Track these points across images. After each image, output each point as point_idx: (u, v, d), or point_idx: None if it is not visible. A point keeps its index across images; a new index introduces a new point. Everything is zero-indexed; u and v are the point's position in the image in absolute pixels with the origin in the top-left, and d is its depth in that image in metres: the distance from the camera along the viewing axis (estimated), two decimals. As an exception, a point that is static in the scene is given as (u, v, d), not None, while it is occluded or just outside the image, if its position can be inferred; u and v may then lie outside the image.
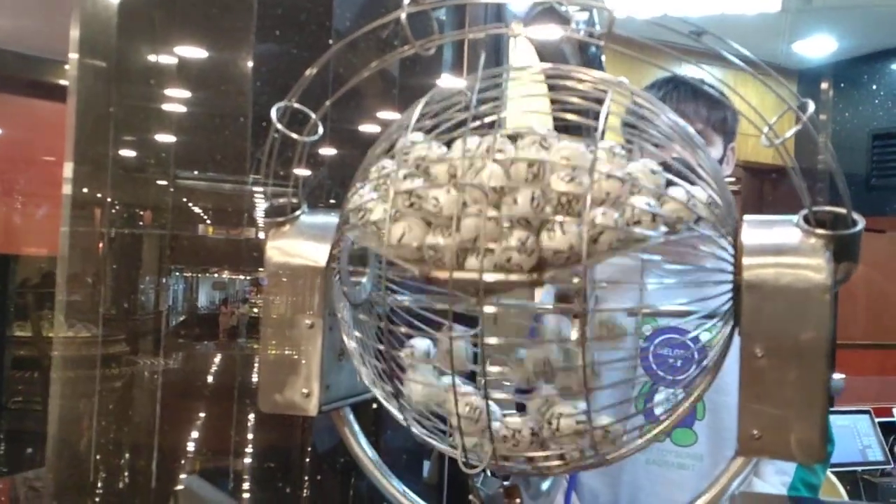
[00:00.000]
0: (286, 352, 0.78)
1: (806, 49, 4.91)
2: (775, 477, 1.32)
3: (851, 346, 4.29)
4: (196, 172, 1.93)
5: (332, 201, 1.76)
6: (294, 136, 0.75)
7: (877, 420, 3.13)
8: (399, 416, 0.70)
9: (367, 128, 1.88)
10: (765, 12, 4.22)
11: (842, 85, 5.17)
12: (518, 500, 0.73)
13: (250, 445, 1.94)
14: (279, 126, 0.74)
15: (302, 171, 0.80)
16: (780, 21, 4.39)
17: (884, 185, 4.86)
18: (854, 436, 3.01)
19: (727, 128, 1.38)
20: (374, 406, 0.83)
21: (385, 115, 1.87)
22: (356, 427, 0.83)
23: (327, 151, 1.74)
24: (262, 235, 0.83)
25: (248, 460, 1.94)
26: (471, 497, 0.72)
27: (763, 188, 5.43)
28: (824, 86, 5.21)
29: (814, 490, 1.35)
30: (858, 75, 5.10)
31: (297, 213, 0.81)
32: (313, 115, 0.75)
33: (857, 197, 0.67)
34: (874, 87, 5.06)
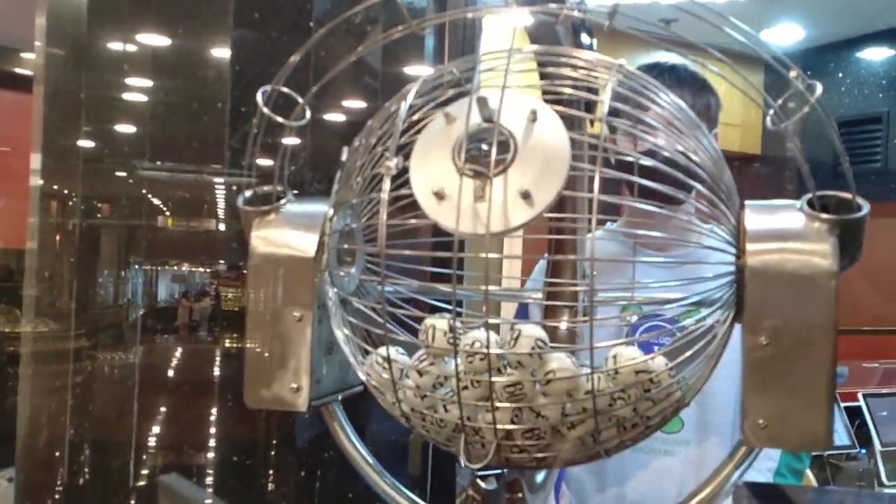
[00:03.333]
0: (273, 346, 0.76)
1: (774, 37, 4.94)
2: (761, 463, 1.32)
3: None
4: (172, 163, 1.88)
5: (295, 192, 1.73)
6: (281, 120, 0.72)
7: (843, 405, 3.17)
8: (395, 413, 0.68)
9: (347, 116, 1.85)
10: (735, 0, 4.24)
11: (809, 73, 5.17)
12: (520, 494, 0.71)
13: (213, 440, 1.91)
14: (265, 110, 0.71)
15: (267, 162, 0.78)
16: (750, 9, 4.42)
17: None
18: (821, 420, 3.05)
19: (710, 114, 1.38)
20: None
21: (365, 103, 1.84)
22: (345, 422, 0.80)
23: (304, 140, 1.71)
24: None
25: (213, 455, 1.91)
26: (470, 492, 0.70)
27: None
28: (793, 74, 5.25)
29: (798, 475, 1.36)
30: (825, 63, 5.15)
31: (283, 201, 0.79)
32: (300, 100, 0.72)
33: (823, 183, 0.66)
34: (840, 75, 5.11)
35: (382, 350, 0.65)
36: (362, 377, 0.71)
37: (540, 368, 0.63)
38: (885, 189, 4.88)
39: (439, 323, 0.65)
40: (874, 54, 5.06)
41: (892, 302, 4.97)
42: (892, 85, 4.95)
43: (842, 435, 3.12)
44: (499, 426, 0.62)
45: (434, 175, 0.60)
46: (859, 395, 3.28)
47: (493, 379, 0.61)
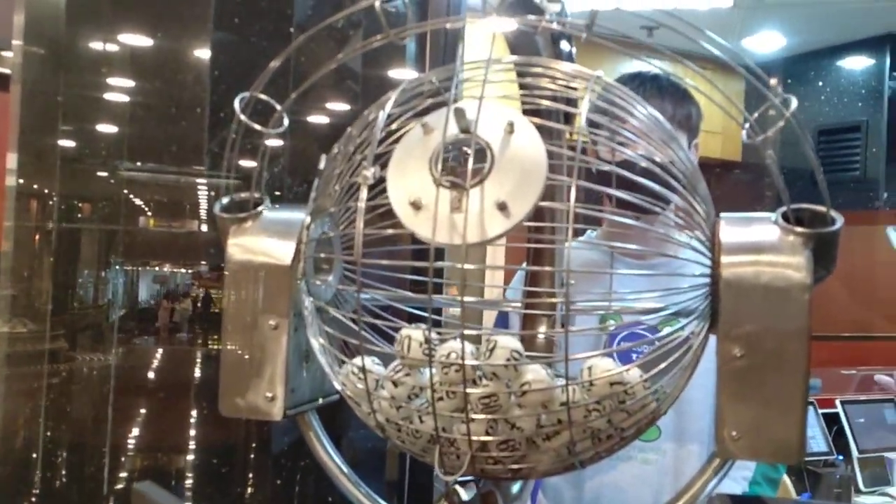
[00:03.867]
0: (248, 354, 0.75)
1: (755, 45, 4.99)
2: (737, 471, 1.32)
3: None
4: (151, 164, 1.87)
5: (277, 194, 1.72)
6: (258, 127, 0.71)
7: (821, 412, 3.19)
8: (371, 423, 0.68)
9: (325, 119, 1.84)
10: (716, 8, 4.27)
11: (789, 81, 5.27)
12: (494, 506, 0.71)
13: (193, 443, 1.89)
14: (243, 118, 0.70)
15: (249, 163, 0.77)
16: (732, 17, 4.45)
17: (829, 181, 4.93)
18: (798, 427, 3.06)
19: (691, 124, 1.38)
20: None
21: (345, 107, 1.83)
22: (321, 431, 0.80)
23: (280, 143, 1.70)
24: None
25: (192, 458, 1.89)
26: (445, 502, 0.70)
27: (709, 182, 5.50)
28: (773, 81, 5.29)
29: (774, 484, 1.36)
30: (806, 71, 5.20)
31: (260, 208, 0.78)
32: (278, 107, 0.72)
33: (802, 192, 0.67)
34: (820, 83, 5.16)
35: (357, 360, 0.65)
36: (338, 387, 0.71)
37: (515, 380, 0.63)
38: (863, 197, 4.94)
39: (415, 333, 0.65)
40: (854, 63, 5.12)
41: (870, 309, 5.02)
42: (872, 94, 5.01)
43: (819, 441, 3.14)
44: (474, 437, 0.62)
45: (411, 185, 0.60)
46: (837, 402, 3.30)
47: (469, 390, 0.61)
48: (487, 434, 0.63)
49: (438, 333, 0.64)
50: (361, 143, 0.69)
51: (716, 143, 4.90)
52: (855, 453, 3.13)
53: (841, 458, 3.12)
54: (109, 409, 1.85)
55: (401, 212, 0.60)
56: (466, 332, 0.61)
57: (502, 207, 0.57)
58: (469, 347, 0.63)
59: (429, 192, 0.59)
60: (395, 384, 0.66)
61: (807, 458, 3.04)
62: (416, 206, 0.59)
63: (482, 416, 0.62)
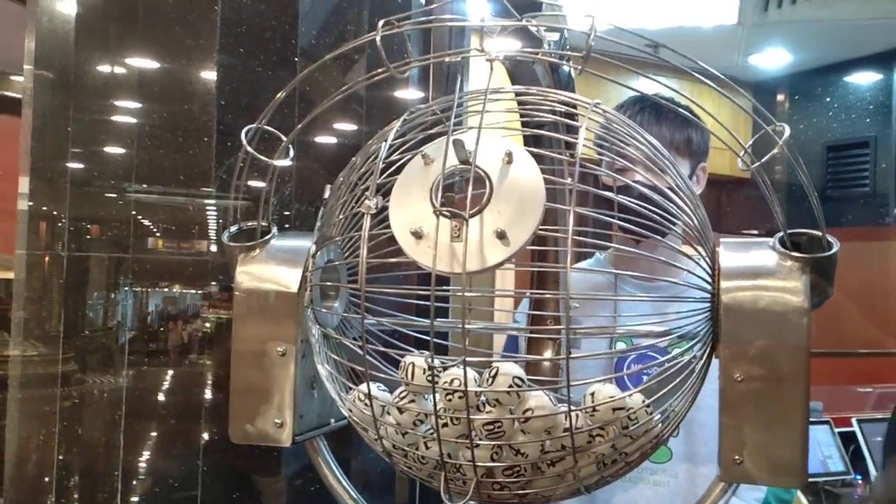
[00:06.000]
0: (257, 380, 0.76)
1: (761, 61, 4.99)
2: (748, 492, 1.32)
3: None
4: (157, 188, 1.89)
5: (287, 213, 1.74)
6: (265, 159, 0.73)
7: (837, 430, 3.15)
8: (378, 449, 0.69)
9: (331, 141, 1.86)
10: (721, 25, 4.28)
11: (797, 97, 5.27)
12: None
13: (204, 467, 1.90)
14: (249, 149, 0.72)
15: (258, 183, 0.79)
16: (737, 34, 4.46)
17: (838, 197, 4.96)
18: (815, 447, 3.03)
19: (693, 149, 1.37)
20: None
21: (350, 128, 1.85)
22: (329, 457, 0.81)
23: (288, 163, 1.72)
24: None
25: (201, 482, 1.90)
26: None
27: (720, 199, 5.51)
28: (780, 98, 5.30)
29: (785, 504, 1.36)
30: (813, 88, 5.20)
31: (268, 236, 0.80)
32: (284, 139, 0.73)
33: (812, 209, 0.68)
34: (828, 99, 5.16)
35: (363, 387, 0.66)
36: (345, 413, 0.72)
37: (518, 407, 0.64)
38: (873, 213, 4.91)
39: (418, 360, 0.66)
40: (861, 78, 5.11)
41: (885, 325, 4.98)
42: (880, 109, 5.00)
43: (836, 461, 3.09)
44: (479, 463, 0.63)
45: (412, 215, 0.61)
46: (853, 421, 3.25)
47: (472, 417, 0.62)
48: (492, 460, 0.64)
49: (442, 362, 0.65)
50: (364, 174, 0.70)
51: (725, 160, 4.89)
52: (873, 472, 3.09)
53: (859, 477, 3.08)
54: (121, 434, 1.86)
55: (402, 241, 0.61)
56: (469, 358, 0.62)
57: (501, 236, 0.58)
58: (472, 374, 0.64)
59: (429, 222, 0.60)
60: (400, 410, 0.67)
61: (824, 479, 3.01)
62: (417, 235, 0.60)
63: (487, 443, 0.63)
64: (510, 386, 0.63)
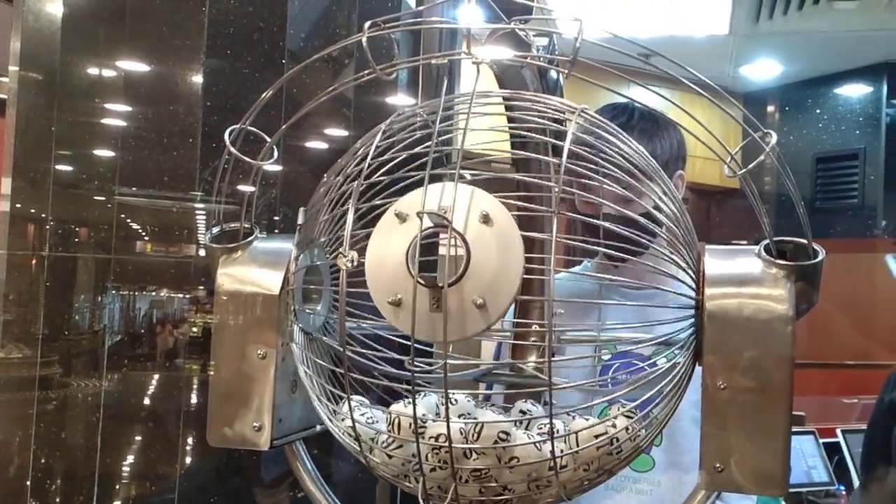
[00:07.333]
0: (236, 383, 0.75)
1: (752, 72, 5.01)
2: (739, 501, 1.31)
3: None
4: (142, 190, 1.88)
5: (276, 217, 1.73)
6: (248, 160, 0.72)
7: (821, 441, 3.16)
8: (355, 450, 0.68)
9: (319, 146, 1.85)
10: (712, 35, 4.30)
11: (787, 108, 5.29)
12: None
13: (182, 470, 1.88)
14: (233, 150, 0.71)
15: (245, 187, 0.78)
16: (728, 44, 4.48)
17: (827, 208, 4.98)
18: (799, 457, 3.03)
19: (665, 158, 1.35)
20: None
21: (337, 132, 1.84)
22: (308, 462, 0.80)
23: (275, 168, 1.71)
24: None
25: (181, 486, 1.88)
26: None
27: (710, 208, 5.53)
28: (770, 109, 5.33)
29: (773, 512, 1.35)
30: (803, 99, 5.22)
31: (250, 238, 0.79)
32: (268, 140, 0.72)
33: (800, 220, 0.68)
34: (818, 111, 5.18)
35: (348, 421, 0.65)
36: (326, 423, 0.71)
37: (504, 455, 0.63)
38: (862, 225, 4.94)
39: (403, 412, 0.66)
40: (852, 90, 5.13)
41: (871, 337, 4.99)
42: (869, 121, 5.02)
43: (820, 472, 3.10)
44: (467, 496, 0.63)
45: (389, 283, 0.60)
46: (838, 432, 3.26)
47: (458, 466, 0.62)
48: (480, 493, 0.64)
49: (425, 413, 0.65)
50: (349, 175, 0.70)
51: (715, 170, 4.91)
52: (857, 483, 3.10)
53: (842, 487, 3.09)
54: (99, 437, 1.85)
55: (382, 309, 0.61)
56: (451, 362, 0.61)
57: (480, 306, 0.58)
58: (457, 425, 0.63)
59: (407, 290, 0.59)
60: (389, 456, 0.66)
61: (808, 489, 3.01)
62: (396, 304, 0.59)
63: (474, 486, 0.63)
64: (495, 442, 0.62)
